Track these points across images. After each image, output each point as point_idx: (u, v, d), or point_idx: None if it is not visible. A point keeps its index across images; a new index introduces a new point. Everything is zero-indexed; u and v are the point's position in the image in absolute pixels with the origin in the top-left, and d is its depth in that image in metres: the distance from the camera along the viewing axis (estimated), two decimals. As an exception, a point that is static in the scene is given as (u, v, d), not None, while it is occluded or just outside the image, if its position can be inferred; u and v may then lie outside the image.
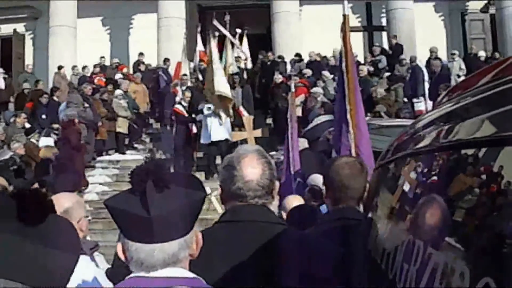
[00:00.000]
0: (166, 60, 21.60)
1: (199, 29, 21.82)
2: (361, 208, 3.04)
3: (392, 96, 17.51)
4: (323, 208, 6.92)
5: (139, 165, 1.87)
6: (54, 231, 1.63)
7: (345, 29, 6.60)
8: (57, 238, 1.63)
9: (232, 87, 17.31)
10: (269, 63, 21.16)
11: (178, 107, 16.67)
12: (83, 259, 3.58)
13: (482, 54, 20.60)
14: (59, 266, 1.63)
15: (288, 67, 21.19)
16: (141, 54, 22.26)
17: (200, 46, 21.72)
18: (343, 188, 2.81)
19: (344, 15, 6.63)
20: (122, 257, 1.88)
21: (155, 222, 1.76)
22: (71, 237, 1.74)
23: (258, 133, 16.36)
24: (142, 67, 21.69)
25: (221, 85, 14.72)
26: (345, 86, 6.58)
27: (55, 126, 16.87)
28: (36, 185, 8.18)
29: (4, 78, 21.13)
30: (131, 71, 21.86)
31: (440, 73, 18.32)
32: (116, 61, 22.99)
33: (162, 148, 17.86)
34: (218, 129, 15.06)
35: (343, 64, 6.56)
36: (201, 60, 20.42)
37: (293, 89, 11.13)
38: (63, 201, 3.64)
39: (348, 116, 6.51)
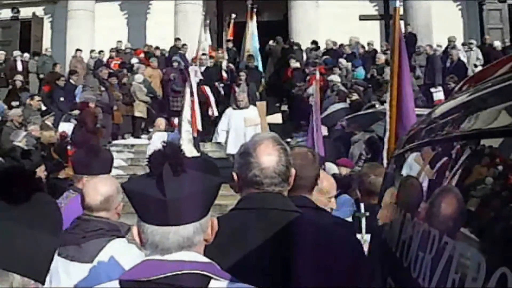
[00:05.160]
0: (183, 45, 21.52)
1: (207, 21, 21.54)
2: (313, 197, 3.13)
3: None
4: (344, 198, 6.93)
5: (157, 149, 1.88)
6: (38, 211, 1.62)
7: (394, 21, 6.81)
8: (41, 219, 1.62)
9: (237, 84, 17.10)
10: (287, 47, 21.06)
11: (175, 121, 16.24)
12: (122, 241, 3.61)
13: (497, 44, 20.45)
14: (40, 250, 1.61)
15: (304, 55, 21.07)
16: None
17: (209, 41, 21.51)
18: (298, 177, 2.82)
19: (395, 8, 6.87)
20: (137, 240, 1.90)
21: (170, 204, 1.79)
22: (55, 218, 1.73)
23: (273, 118, 16.08)
24: (157, 52, 21.68)
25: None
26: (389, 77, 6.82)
27: (75, 112, 16.90)
28: (42, 167, 8.21)
29: (22, 61, 21.20)
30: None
31: (456, 63, 18.24)
32: (129, 46, 22.97)
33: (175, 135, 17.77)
34: (235, 139, 14.14)
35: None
36: (210, 57, 20.10)
37: (318, 76, 11.08)
38: (102, 188, 3.67)
39: (387, 106, 6.63)
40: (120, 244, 3.53)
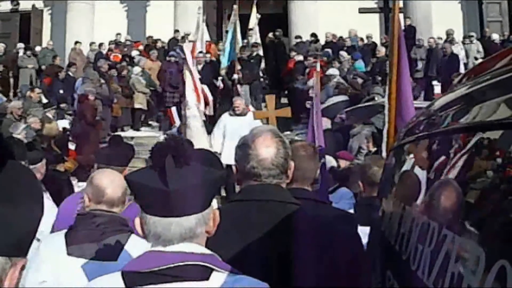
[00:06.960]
0: (183, 37, 21.42)
1: (205, 16, 21.28)
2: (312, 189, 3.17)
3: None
4: (343, 191, 6.94)
5: (160, 142, 1.89)
6: (14, 180, 1.44)
7: (393, 14, 6.72)
8: (18, 189, 1.44)
9: (239, 83, 16.81)
10: (280, 40, 21.01)
11: (173, 109, 16.04)
12: (137, 237, 3.45)
13: (495, 37, 20.40)
14: (22, 224, 1.43)
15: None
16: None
17: (206, 37, 21.31)
18: (300, 169, 2.83)
19: (394, 1, 6.72)
20: (140, 232, 1.90)
21: (173, 195, 1.80)
22: (33, 187, 1.54)
23: (283, 112, 15.98)
24: (159, 44, 21.61)
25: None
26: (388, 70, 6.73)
27: (63, 105, 16.91)
28: (44, 161, 8.17)
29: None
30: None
31: (450, 56, 18.18)
32: (128, 38, 22.92)
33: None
34: (231, 148, 13.01)
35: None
36: (207, 52, 19.90)
37: (318, 69, 11.06)
38: (120, 181, 3.51)
39: (386, 99, 6.60)
40: (139, 239, 3.38)
